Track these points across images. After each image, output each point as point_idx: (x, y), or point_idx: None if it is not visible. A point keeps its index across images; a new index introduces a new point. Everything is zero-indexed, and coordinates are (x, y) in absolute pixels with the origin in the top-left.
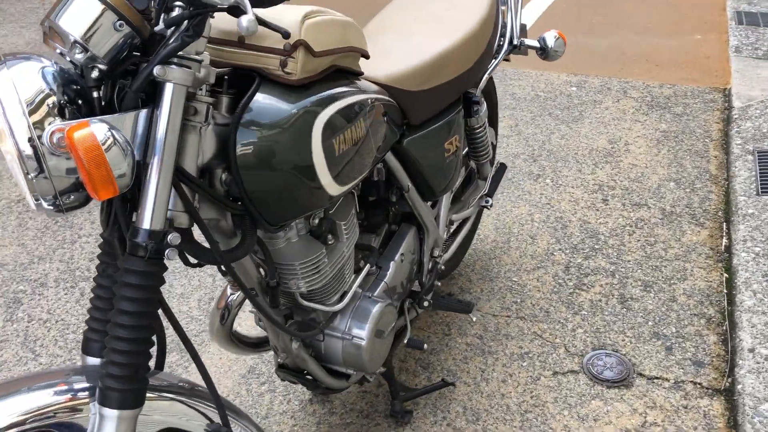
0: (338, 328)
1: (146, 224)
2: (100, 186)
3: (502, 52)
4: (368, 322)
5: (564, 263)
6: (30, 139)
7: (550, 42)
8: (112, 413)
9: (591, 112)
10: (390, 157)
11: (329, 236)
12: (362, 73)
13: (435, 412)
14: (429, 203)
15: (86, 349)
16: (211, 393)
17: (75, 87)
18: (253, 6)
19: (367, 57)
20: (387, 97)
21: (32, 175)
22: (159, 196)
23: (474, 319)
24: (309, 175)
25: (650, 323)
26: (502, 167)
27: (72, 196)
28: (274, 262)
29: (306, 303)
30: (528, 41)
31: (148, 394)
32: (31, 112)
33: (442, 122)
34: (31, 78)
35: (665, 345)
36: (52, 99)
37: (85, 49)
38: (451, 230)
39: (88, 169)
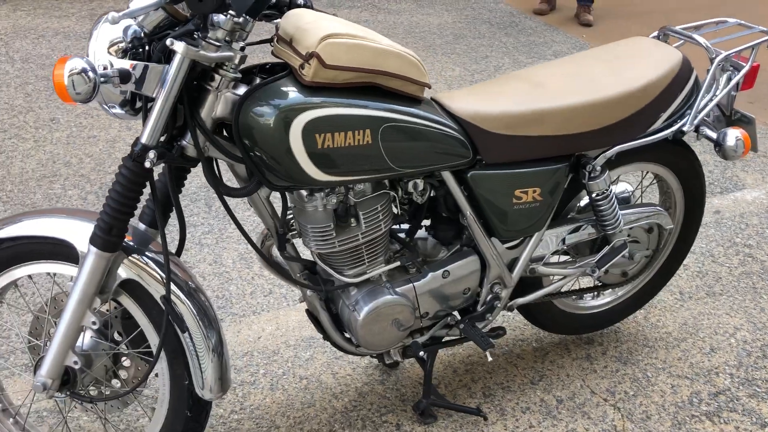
0: (351, 298)
1: (143, 139)
2: (59, 94)
3: (664, 132)
4: (370, 303)
5: (719, 388)
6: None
7: (730, 140)
8: (92, 249)
9: None
10: (451, 182)
11: (351, 219)
12: (420, 99)
13: (454, 430)
14: (503, 242)
15: (140, 217)
16: (166, 269)
17: (143, 40)
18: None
19: (427, 86)
20: (447, 129)
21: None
22: (155, 125)
23: (490, 359)
24: (287, 155)
25: None
26: (622, 246)
27: (126, 108)
28: (287, 216)
29: (320, 263)
30: (707, 131)
31: (135, 257)
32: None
33: (522, 170)
34: (115, 32)
35: None
36: (121, 45)
37: (134, 19)
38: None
39: (55, 82)
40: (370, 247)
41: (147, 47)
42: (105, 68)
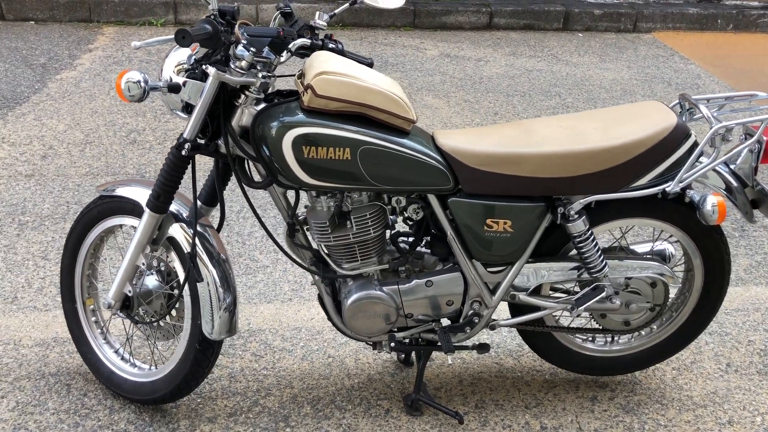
0: (347, 287)
1: (185, 135)
2: (118, 94)
3: (649, 190)
4: (358, 293)
5: None
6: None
7: (707, 206)
8: (147, 210)
9: None
10: (435, 205)
11: (347, 222)
12: (407, 131)
13: (433, 426)
14: (485, 265)
15: (198, 196)
16: (193, 229)
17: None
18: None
19: (412, 121)
20: (429, 159)
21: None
22: (193, 124)
23: (450, 362)
24: (282, 159)
25: None
26: (601, 289)
27: (184, 112)
28: (296, 209)
29: (324, 255)
30: (693, 194)
31: (182, 224)
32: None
33: (495, 203)
34: (182, 56)
35: None
36: (184, 65)
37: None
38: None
39: (116, 85)
40: (363, 247)
41: (198, 69)
42: (166, 81)
